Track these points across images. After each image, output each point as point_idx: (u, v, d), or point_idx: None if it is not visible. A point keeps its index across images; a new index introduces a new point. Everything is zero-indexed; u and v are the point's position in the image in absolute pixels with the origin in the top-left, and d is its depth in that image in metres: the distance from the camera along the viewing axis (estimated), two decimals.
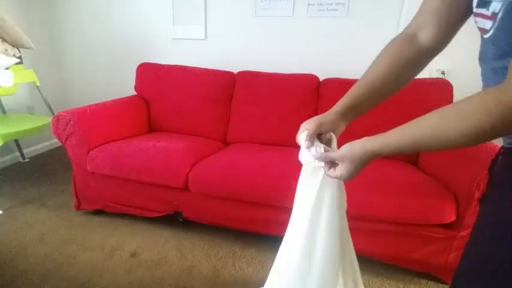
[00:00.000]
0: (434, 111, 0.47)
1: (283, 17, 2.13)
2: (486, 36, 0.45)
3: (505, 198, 0.47)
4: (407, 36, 0.63)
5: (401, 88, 0.67)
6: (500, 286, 0.45)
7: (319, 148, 0.65)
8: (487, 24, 0.44)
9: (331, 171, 0.63)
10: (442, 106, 0.46)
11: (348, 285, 0.77)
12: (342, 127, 0.69)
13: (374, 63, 0.66)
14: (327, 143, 0.68)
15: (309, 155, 0.66)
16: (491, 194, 0.52)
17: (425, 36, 0.61)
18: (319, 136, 0.68)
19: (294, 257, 0.73)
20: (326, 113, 0.68)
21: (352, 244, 0.79)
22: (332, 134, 0.68)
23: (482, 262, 0.49)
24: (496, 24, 0.42)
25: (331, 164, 0.64)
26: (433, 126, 0.46)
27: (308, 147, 0.66)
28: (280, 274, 0.80)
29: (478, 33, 0.49)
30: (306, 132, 0.66)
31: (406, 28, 0.65)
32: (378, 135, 0.55)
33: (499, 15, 0.41)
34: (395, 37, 0.65)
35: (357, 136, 0.59)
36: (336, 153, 0.62)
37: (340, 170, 0.61)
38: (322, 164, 0.65)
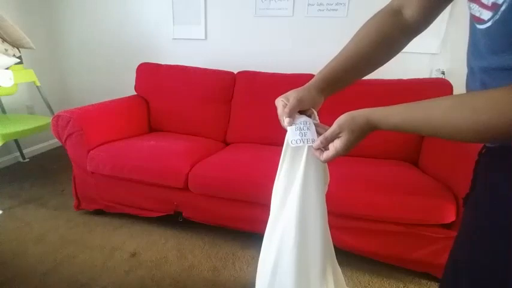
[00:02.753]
0: (450, 95, 0.44)
1: (283, 17, 2.13)
2: (481, 27, 0.42)
3: (484, 199, 0.47)
4: (391, 12, 0.62)
5: (379, 67, 0.65)
6: (481, 286, 0.45)
7: (308, 123, 0.59)
8: (485, 14, 0.41)
9: (327, 154, 0.57)
10: None
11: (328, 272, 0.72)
12: (321, 102, 0.65)
13: (355, 36, 0.64)
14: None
15: (296, 134, 0.59)
16: (473, 194, 0.52)
17: (409, 13, 0.60)
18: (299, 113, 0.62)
19: (288, 245, 0.67)
20: (304, 87, 0.63)
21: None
22: (314, 110, 0.63)
23: (462, 262, 0.49)
24: (498, 17, 0.39)
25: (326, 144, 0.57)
26: (444, 110, 0.43)
27: (290, 124, 0.60)
28: (272, 265, 0.71)
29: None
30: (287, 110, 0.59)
31: (390, 3, 0.64)
32: (380, 107, 0.51)
33: (502, 8, 0.38)
34: (379, 12, 0.64)
35: None
36: (333, 125, 0.55)
37: (338, 143, 0.54)
38: (311, 143, 0.59)
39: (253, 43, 2.24)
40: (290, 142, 0.61)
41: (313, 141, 0.60)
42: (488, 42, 0.42)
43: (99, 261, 1.44)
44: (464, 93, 0.43)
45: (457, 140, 0.43)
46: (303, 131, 0.60)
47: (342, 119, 0.54)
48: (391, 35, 0.62)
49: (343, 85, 0.65)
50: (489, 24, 0.40)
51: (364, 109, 0.53)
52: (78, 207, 1.80)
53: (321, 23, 2.08)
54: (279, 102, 0.62)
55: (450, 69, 1.93)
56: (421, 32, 0.62)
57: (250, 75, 2.02)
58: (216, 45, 2.33)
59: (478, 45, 0.45)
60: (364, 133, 0.53)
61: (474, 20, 0.44)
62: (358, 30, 0.64)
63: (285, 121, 0.61)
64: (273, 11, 2.13)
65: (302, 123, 0.60)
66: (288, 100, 0.61)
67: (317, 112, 0.64)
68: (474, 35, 0.46)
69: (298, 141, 0.60)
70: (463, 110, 0.40)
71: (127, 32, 2.50)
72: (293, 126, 0.60)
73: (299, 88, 0.63)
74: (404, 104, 0.48)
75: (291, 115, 0.60)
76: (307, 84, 0.63)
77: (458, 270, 0.50)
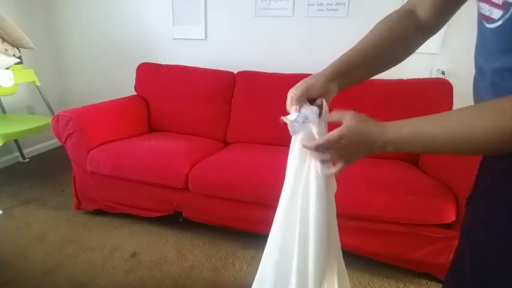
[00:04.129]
0: (463, 107, 0.43)
1: (283, 17, 2.13)
2: (491, 26, 0.42)
3: (486, 199, 0.47)
4: (405, 12, 0.63)
5: (393, 65, 0.65)
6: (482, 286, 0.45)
7: (311, 111, 0.58)
8: (495, 13, 0.40)
9: (328, 168, 0.57)
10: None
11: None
12: (334, 91, 0.63)
13: (370, 32, 0.64)
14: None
15: (296, 119, 0.58)
16: (475, 194, 0.52)
17: (423, 13, 0.61)
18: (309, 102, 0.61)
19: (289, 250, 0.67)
20: (315, 74, 0.62)
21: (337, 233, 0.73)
22: (323, 99, 0.61)
23: (465, 262, 0.49)
24: (508, 15, 0.38)
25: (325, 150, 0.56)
26: (464, 119, 0.41)
27: (297, 111, 0.59)
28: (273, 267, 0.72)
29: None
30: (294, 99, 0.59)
31: (405, 4, 0.64)
32: (389, 124, 0.48)
33: None
34: (393, 12, 0.64)
35: None
36: (333, 133, 0.53)
37: (334, 157, 0.54)
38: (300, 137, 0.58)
39: (253, 43, 2.24)
40: (286, 118, 0.61)
41: (304, 136, 0.59)
42: (498, 41, 0.42)
43: (99, 261, 1.44)
44: (479, 103, 0.42)
45: (484, 151, 0.41)
46: (302, 124, 0.59)
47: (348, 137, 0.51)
48: (405, 33, 0.62)
49: (357, 78, 0.65)
50: (499, 23, 0.40)
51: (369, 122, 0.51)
52: (78, 207, 1.80)
53: (321, 23, 2.08)
54: (289, 94, 0.62)
55: (450, 69, 1.93)
56: (436, 32, 0.63)
57: (250, 75, 2.02)
58: (216, 45, 2.32)
59: (487, 44, 0.45)
60: (368, 150, 0.52)
61: (484, 19, 0.44)
62: (373, 28, 0.64)
63: (292, 109, 0.60)
64: (273, 11, 2.13)
65: (302, 117, 0.59)
66: (296, 89, 0.61)
67: (328, 102, 0.62)
68: (483, 34, 0.45)
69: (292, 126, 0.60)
70: (484, 114, 0.39)
71: (127, 32, 2.50)
72: (294, 114, 0.59)
73: (309, 76, 0.62)
74: (414, 118, 0.47)
75: (298, 103, 0.59)
76: (317, 72, 0.63)
77: (461, 271, 0.50)
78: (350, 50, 0.63)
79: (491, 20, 0.41)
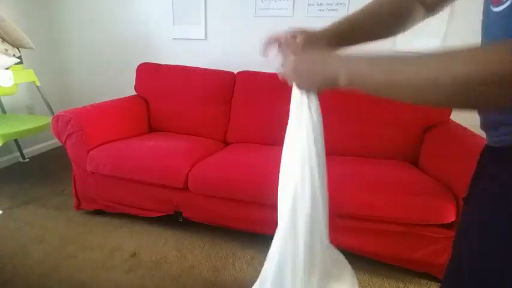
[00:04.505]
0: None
1: (283, 17, 2.12)
2: (497, 9, 0.41)
3: (484, 199, 0.47)
4: None
5: (386, 37, 0.66)
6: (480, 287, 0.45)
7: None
8: None
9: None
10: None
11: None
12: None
13: (372, 1, 0.66)
14: None
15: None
16: (472, 194, 0.52)
17: None
18: None
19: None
20: (318, 36, 0.66)
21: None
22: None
23: (461, 261, 0.49)
24: None
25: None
26: (431, 57, 0.39)
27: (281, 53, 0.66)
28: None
29: (480, 30, 0.47)
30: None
31: None
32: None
33: None
34: None
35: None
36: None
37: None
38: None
39: (253, 43, 2.24)
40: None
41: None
42: (504, 25, 0.41)
43: (99, 261, 1.44)
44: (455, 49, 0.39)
45: (442, 94, 0.37)
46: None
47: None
48: (406, 7, 0.63)
49: (349, 44, 0.67)
50: (507, 4, 0.39)
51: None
52: (78, 207, 1.80)
53: (321, 23, 2.05)
54: (288, 33, 0.66)
55: None
56: (436, 13, 0.64)
57: (250, 75, 2.02)
58: (216, 45, 2.32)
59: (493, 31, 0.44)
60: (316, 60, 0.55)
61: (492, 3, 0.43)
62: None
63: (273, 51, 0.67)
64: (273, 11, 2.13)
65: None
66: (294, 38, 0.65)
67: None
68: (488, 21, 0.45)
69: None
70: (457, 56, 0.36)
71: (127, 32, 2.50)
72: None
73: (313, 33, 0.66)
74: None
75: (284, 49, 0.66)
76: (322, 32, 0.67)
77: (459, 271, 0.50)
78: (350, 16, 0.67)
79: (500, 3, 0.41)
